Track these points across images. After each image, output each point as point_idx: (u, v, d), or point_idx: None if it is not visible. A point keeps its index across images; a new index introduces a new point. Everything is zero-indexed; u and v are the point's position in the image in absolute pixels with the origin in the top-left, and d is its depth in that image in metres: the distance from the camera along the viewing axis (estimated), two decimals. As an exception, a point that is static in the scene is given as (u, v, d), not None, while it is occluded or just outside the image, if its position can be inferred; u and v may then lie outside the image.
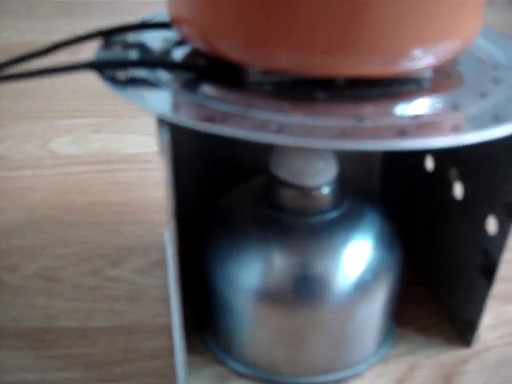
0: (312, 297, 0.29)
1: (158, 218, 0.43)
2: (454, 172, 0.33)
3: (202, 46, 0.25)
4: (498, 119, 0.22)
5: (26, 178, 0.49)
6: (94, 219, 0.44)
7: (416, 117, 0.22)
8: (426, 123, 0.21)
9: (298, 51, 0.22)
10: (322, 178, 0.29)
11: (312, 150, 0.29)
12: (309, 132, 0.20)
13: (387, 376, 0.31)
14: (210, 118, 0.21)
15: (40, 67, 0.25)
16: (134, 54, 0.27)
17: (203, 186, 0.38)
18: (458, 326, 0.34)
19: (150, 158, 0.52)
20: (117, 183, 0.48)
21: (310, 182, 0.29)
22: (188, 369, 0.31)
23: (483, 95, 0.24)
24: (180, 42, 0.29)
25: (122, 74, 0.24)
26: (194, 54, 0.28)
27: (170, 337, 0.34)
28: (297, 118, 0.21)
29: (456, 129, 0.21)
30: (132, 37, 0.30)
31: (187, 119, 0.21)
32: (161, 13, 0.32)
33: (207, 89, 0.24)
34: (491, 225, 0.30)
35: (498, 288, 0.36)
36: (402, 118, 0.22)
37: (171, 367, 0.31)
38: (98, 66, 0.25)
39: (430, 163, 0.36)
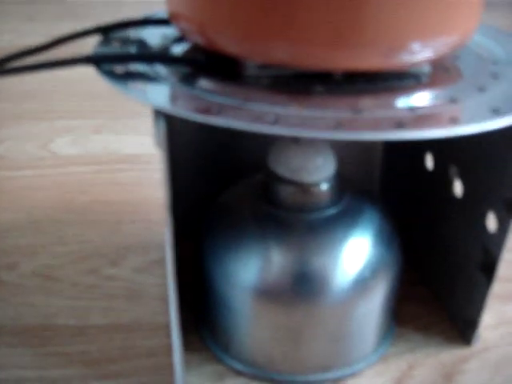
0: (310, 294, 0.28)
1: (158, 218, 0.43)
2: (453, 170, 0.33)
3: (200, 41, 0.25)
4: (496, 112, 0.21)
5: (26, 178, 0.49)
6: (94, 218, 0.43)
7: (414, 109, 0.22)
8: (423, 115, 0.21)
9: (295, 44, 0.22)
10: (321, 175, 0.29)
11: (310, 146, 0.29)
12: (305, 123, 0.20)
13: (386, 375, 0.31)
14: (206, 110, 0.21)
15: (39, 61, 0.25)
16: (132, 50, 0.27)
17: (202, 186, 0.38)
18: (458, 325, 0.34)
19: (150, 159, 0.52)
20: (117, 183, 0.48)
21: (308, 178, 0.29)
22: (186, 367, 0.31)
23: (482, 89, 0.24)
24: (179, 39, 0.29)
25: (119, 68, 0.24)
26: (193, 50, 0.28)
27: (168, 335, 0.33)
28: (293, 109, 0.21)
29: (454, 121, 0.21)
30: (131, 33, 0.30)
31: (183, 110, 0.21)
32: (160, 11, 0.33)
33: (205, 83, 0.24)
34: (491, 222, 0.30)
35: (499, 288, 0.36)
36: (399, 110, 0.22)
37: (169, 365, 0.31)
38: (96, 59, 0.25)
39: (429, 162, 0.36)
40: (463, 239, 0.33)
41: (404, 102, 0.23)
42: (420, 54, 0.23)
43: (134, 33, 0.30)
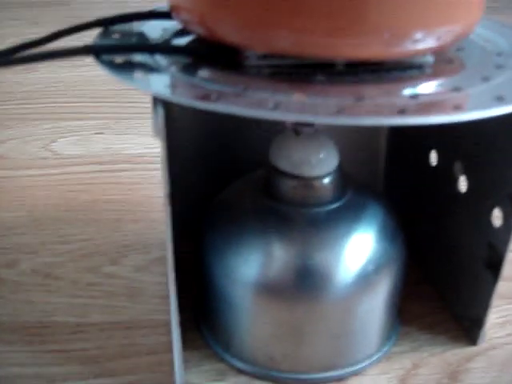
0: (312, 290, 0.28)
1: (159, 217, 0.43)
2: (458, 166, 0.33)
3: (201, 32, 0.25)
4: (501, 99, 0.21)
5: (28, 178, 0.49)
6: (94, 217, 0.43)
7: (417, 96, 0.21)
8: (427, 103, 0.21)
9: (296, 33, 0.22)
10: (323, 168, 0.29)
11: (312, 139, 0.28)
12: (306, 109, 0.20)
13: (390, 373, 0.30)
14: (205, 97, 0.20)
15: (38, 52, 0.25)
16: (132, 41, 0.27)
17: (203, 186, 0.38)
18: (464, 324, 0.33)
19: (152, 159, 0.51)
20: (118, 182, 0.48)
21: (310, 172, 0.29)
22: (186, 365, 0.30)
23: (486, 79, 0.24)
24: (180, 32, 0.29)
25: (119, 58, 0.24)
26: (194, 42, 0.28)
27: (168, 333, 0.33)
28: (295, 97, 0.21)
29: (458, 108, 0.20)
30: (131, 26, 0.29)
31: (182, 97, 0.20)
32: (161, 6, 0.32)
33: (205, 73, 0.24)
34: (496, 217, 0.29)
35: (505, 287, 0.35)
36: (402, 97, 0.21)
37: (169, 363, 0.31)
38: (96, 49, 0.25)
39: (433, 158, 0.35)
40: (468, 236, 0.32)
41: (407, 90, 0.22)
42: (423, 43, 0.23)
43: (134, 26, 0.29)
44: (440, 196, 0.35)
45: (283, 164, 0.29)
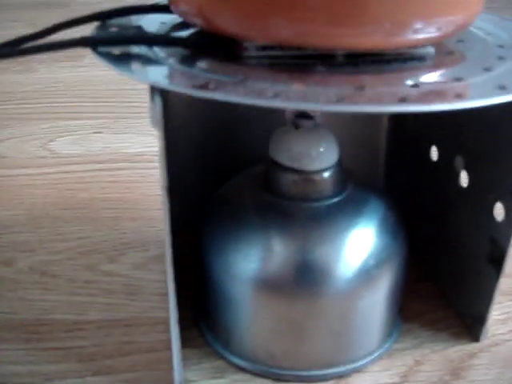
0: (313, 285, 0.28)
1: (158, 215, 0.43)
2: (459, 161, 0.32)
3: (200, 23, 0.25)
4: (503, 88, 0.21)
5: (26, 177, 0.49)
6: (93, 215, 0.43)
7: (418, 85, 0.21)
8: (428, 91, 0.21)
9: (297, 23, 0.22)
10: (323, 162, 0.28)
11: (312, 132, 0.28)
12: (306, 97, 0.19)
13: (392, 370, 0.30)
14: (204, 86, 0.20)
15: (37, 44, 0.25)
16: (130, 34, 0.27)
17: (202, 185, 0.37)
18: (466, 321, 0.33)
19: (151, 158, 0.51)
20: (117, 181, 0.48)
21: (310, 165, 0.28)
22: (185, 362, 0.30)
23: (487, 69, 0.23)
24: (178, 26, 0.29)
25: (116, 50, 0.24)
26: (193, 34, 0.28)
27: (167, 330, 0.32)
28: (294, 86, 0.21)
29: (460, 96, 0.20)
30: (129, 20, 0.29)
31: (180, 86, 0.20)
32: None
33: (203, 64, 0.24)
34: (499, 212, 0.29)
35: (507, 284, 0.35)
36: (403, 86, 0.21)
37: (167, 360, 0.30)
38: (93, 41, 0.24)
39: (434, 153, 0.35)
40: (470, 231, 0.32)
41: (408, 80, 0.22)
42: (423, 33, 0.23)
43: (132, 20, 0.29)
44: (441, 191, 0.34)
45: (283, 158, 0.29)
